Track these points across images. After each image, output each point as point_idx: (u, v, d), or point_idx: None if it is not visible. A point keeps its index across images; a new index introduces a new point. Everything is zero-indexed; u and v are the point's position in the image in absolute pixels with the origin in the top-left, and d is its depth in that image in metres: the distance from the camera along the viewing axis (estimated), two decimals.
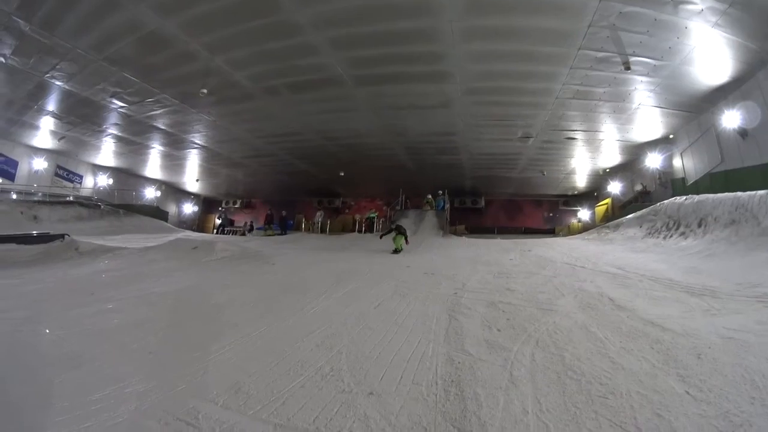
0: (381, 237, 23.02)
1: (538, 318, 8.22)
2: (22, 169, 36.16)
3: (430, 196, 37.26)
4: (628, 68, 18.08)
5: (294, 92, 22.80)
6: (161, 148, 35.37)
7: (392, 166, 35.43)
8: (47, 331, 8.02)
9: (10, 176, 35.18)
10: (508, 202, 45.27)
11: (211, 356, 6.64)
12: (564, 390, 5.29)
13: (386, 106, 24.09)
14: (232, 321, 8.46)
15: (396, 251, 20.21)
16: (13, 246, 17.06)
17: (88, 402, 5.25)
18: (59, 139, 33.64)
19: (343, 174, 38.62)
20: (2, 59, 20.81)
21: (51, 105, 26.82)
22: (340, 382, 5.75)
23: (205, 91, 21.95)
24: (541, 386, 5.42)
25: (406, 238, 21.03)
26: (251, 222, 47.06)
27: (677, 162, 26.46)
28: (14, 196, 34.05)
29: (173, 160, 39.19)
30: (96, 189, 42.02)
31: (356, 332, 7.84)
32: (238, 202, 51.94)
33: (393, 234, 21.22)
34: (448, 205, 36.34)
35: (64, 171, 39.54)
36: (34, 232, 20.54)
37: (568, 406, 4.92)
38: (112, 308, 9.42)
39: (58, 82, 23.10)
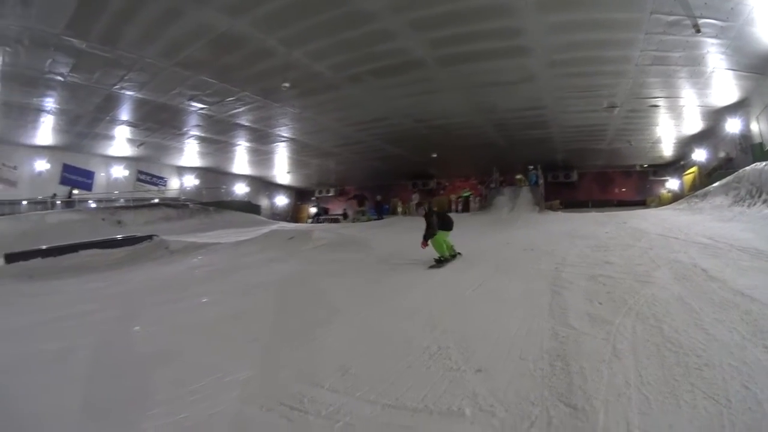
0: (425, 243, 12.68)
1: (636, 290, 8.24)
2: (99, 179, 37.66)
3: (521, 176, 37.43)
4: (698, 31, 17.66)
5: (378, 78, 22.90)
6: (247, 144, 36.11)
7: (483, 144, 35.11)
8: (138, 327, 8.42)
9: (87, 186, 36.80)
10: (600, 174, 44.28)
11: (315, 341, 6.83)
12: (663, 362, 5.33)
13: (471, 84, 23.94)
14: (334, 306, 8.70)
15: (441, 260, 12.52)
16: (96, 251, 17.69)
17: (185, 393, 5.45)
18: (138, 146, 34.92)
19: (435, 155, 38.43)
20: (61, 78, 21.60)
21: (124, 115, 27.94)
22: (447, 360, 5.84)
23: (287, 84, 22.20)
24: (641, 359, 5.46)
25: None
26: (345, 210, 47.45)
27: (754, 126, 25.65)
28: (93, 205, 35.37)
29: (261, 155, 39.85)
30: (182, 189, 43.19)
31: (461, 310, 8.03)
32: (332, 190, 51.91)
33: (436, 230, 12.70)
34: (541, 180, 36.38)
35: (147, 175, 40.93)
36: (119, 236, 21.09)
37: (667, 378, 4.95)
38: (207, 302, 9.78)
39: (129, 92, 24.02)
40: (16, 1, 15.79)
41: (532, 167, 37.09)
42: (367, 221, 35.93)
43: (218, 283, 11.64)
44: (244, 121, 30.00)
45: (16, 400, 5.59)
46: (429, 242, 12.90)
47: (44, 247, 17.93)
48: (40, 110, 26.92)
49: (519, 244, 15.33)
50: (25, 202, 33.31)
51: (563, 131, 32.58)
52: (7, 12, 16.48)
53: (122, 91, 24.13)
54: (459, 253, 13.68)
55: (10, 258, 16.97)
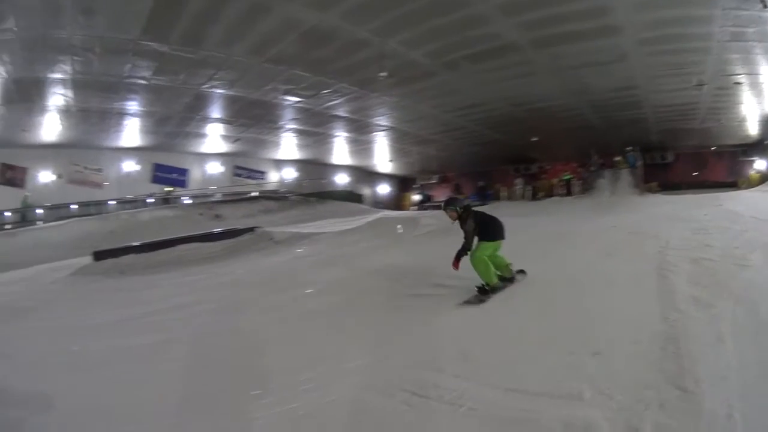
0: (457, 263, 8.99)
1: (735, 274, 8.33)
2: (194, 175, 38.87)
3: (620, 158, 36.80)
4: (765, 6, 17.33)
5: (473, 63, 22.72)
6: (346, 134, 36.30)
7: (579, 127, 34.33)
8: (242, 318, 8.75)
9: (181, 183, 37.96)
10: (694, 155, 42.69)
11: (432, 326, 7.04)
12: (760, 346, 5.44)
13: (565, 66, 23.61)
14: (449, 291, 8.99)
15: (487, 289, 8.89)
16: (194, 245, 18.23)
17: (299, 382, 5.69)
18: (233, 142, 35.69)
19: (535, 139, 38.01)
20: (143, 81, 22.30)
21: (216, 112, 28.62)
22: (564, 345, 5.98)
23: (384, 74, 22.24)
24: (742, 343, 5.56)
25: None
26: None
27: None
28: (189, 201, 36.64)
29: (361, 145, 40.00)
30: (282, 182, 43.75)
31: (572, 294, 8.19)
32: (434, 177, 51.18)
33: (470, 245, 9.09)
34: (640, 162, 35.88)
35: (244, 170, 41.82)
36: (218, 229, 21.72)
37: (763, 362, 5.07)
38: (315, 291, 10.07)
39: (219, 90, 24.56)
40: (75, 12, 16.40)
41: (630, 149, 36.45)
42: None
43: (325, 272, 11.86)
44: (341, 112, 30.19)
45: (124, 393, 5.90)
46: (471, 263, 8.79)
47: (136, 243, 18.55)
48: (122, 114, 27.93)
49: (624, 228, 15.26)
50: (112, 202, 34.76)
51: (656, 111, 31.73)
52: (67, 23, 17.10)
53: (212, 90, 24.73)
54: (521, 271, 9.64)
55: (99, 255, 17.55)
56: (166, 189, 37.71)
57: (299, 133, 35.05)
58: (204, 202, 35.79)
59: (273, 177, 44.25)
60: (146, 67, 21.24)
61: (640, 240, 12.71)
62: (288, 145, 39.17)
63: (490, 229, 9.32)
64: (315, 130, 34.20)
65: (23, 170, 33.85)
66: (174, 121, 30.06)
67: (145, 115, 28.54)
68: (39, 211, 33.35)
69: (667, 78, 25.07)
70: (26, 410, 5.62)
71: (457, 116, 31.92)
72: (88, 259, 17.64)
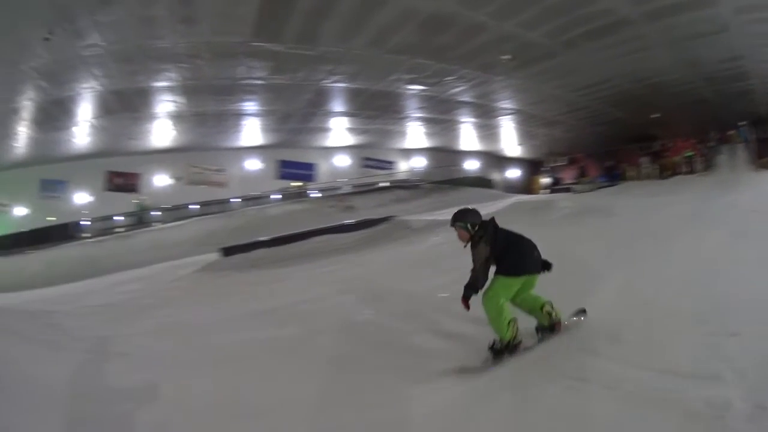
0: (467, 302, 6.18)
1: None
2: (321, 169, 39.76)
3: (733, 131, 35.60)
4: None
5: (590, 40, 22.44)
6: (473, 120, 36.20)
7: (695, 101, 33.07)
8: (385, 306, 8.77)
9: (308, 178, 38.98)
10: None
11: (578, 306, 6.86)
12: None
13: (675, 38, 22.83)
14: (596, 272, 8.78)
15: (499, 348, 6.17)
16: (327, 237, 18.49)
17: (447, 371, 5.85)
18: (359, 134, 36.47)
19: (655, 116, 36.85)
20: (260, 81, 22.79)
21: (338, 106, 29.19)
22: (706, 326, 5.84)
23: (507, 56, 22.50)
24: None
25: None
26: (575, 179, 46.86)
27: None
28: (318, 195, 37.40)
29: (488, 130, 39.75)
30: (412, 171, 44.14)
31: (710, 274, 7.90)
32: (563, 159, 50.28)
33: (479, 283, 6.29)
34: (753, 136, 34.63)
35: (372, 161, 42.43)
36: (351, 220, 21.99)
37: None
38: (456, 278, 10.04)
39: (340, 84, 25.01)
40: (173, 22, 16.97)
41: (742, 123, 35.18)
42: (592, 189, 35.73)
43: (467, 257, 11.88)
44: (466, 97, 30.19)
45: (268, 387, 5.94)
46: (483, 304, 6.25)
47: (267, 237, 19.01)
48: (240, 114, 28.91)
49: (745, 206, 14.74)
50: (235, 200, 36.11)
51: (765, 82, 30.37)
52: (166, 33, 17.72)
53: (333, 84, 25.23)
54: (581, 311, 6.79)
55: (228, 251, 18.11)
56: (293, 184, 38.55)
57: (426, 121, 35.18)
58: (333, 194, 36.51)
59: (402, 166, 44.59)
60: (261, 68, 21.87)
61: (763, 219, 12.39)
62: (415, 134, 39.33)
63: (512, 258, 6.35)
64: (441, 117, 34.22)
65: (134, 176, 35.68)
66: (297, 118, 30.78)
67: (266, 114, 29.48)
68: (155, 213, 35.18)
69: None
70: (134, 404, 5.78)
71: (579, 96, 31.42)
72: (214, 256, 18.17)
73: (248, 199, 36.61)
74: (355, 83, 25.40)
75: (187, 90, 23.69)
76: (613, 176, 40.55)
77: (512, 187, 47.95)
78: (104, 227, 34.39)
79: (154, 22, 17.13)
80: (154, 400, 5.85)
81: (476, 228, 6.54)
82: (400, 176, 43.12)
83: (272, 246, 18.05)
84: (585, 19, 20.22)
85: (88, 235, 33.42)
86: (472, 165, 47.56)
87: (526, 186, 50.49)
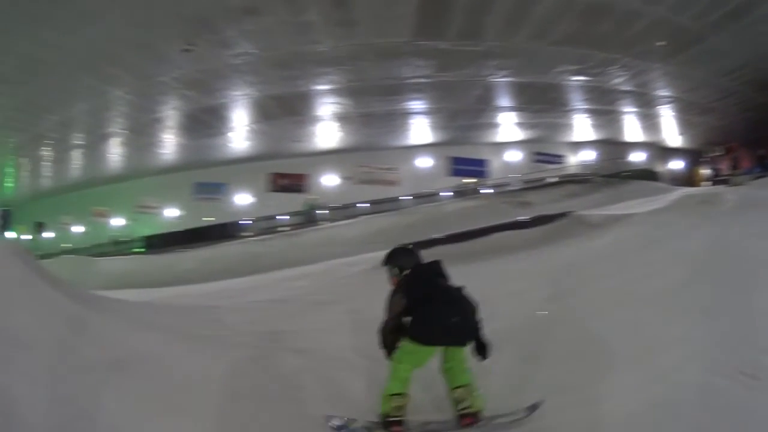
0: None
1: None
2: (494, 165, 39.19)
3: None
4: None
5: (734, 19, 21.39)
6: (635, 109, 35.45)
7: None
8: (578, 303, 8.24)
9: (481, 174, 38.21)
10: None
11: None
12: None
13: None
14: None
15: (383, 423, 5.02)
16: (504, 234, 18.30)
17: (646, 367, 5.56)
18: (528, 128, 36.74)
19: None
20: (427, 80, 23.06)
21: (506, 101, 29.41)
22: None
23: (662, 42, 22.07)
24: None
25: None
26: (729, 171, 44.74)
27: None
28: (490, 191, 37.36)
29: (649, 120, 38.81)
30: (581, 165, 43.25)
31: None
32: (719, 149, 47.36)
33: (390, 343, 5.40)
34: None
35: (543, 155, 41.50)
36: (528, 216, 21.64)
37: None
38: (647, 273, 9.66)
39: (507, 79, 25.21)
40: (329, 26, 17.26)
41: None
42: (751, 180, 33.62)
43: (653, 252, 11.44)
44: (628, 87, 29.60)
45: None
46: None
47: (444, 234, 18.97)
48: (409, 113, 29.35)
49: None
50: (406, 198, 36.61)
51: None
52: (322, 38, 18.14)
53: (500, 80, 25.35)
54: (532, 407, 5.06)
55: None
56: (466, 181, 38.57)
57: (591, 113, 34.75)
58: (505, 191, 36.45)
59: (571, 160, 43.91)
60: (427, 66, 22.19)
61: None
62: (582, 127, 38.92)
63: (416, 320, 5.13)
64: (606, 108, 33.68)
65: (301, 177, 36.32)
66: (466, 115, 31.12)
67: (435, 112, 30.03)
68: (324, 211, 36.04)
69: None
70: (313, 402, 5.81)
71: (730, 80, 30.08)
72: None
73: (420, 197, 37.11)
74: (522, 77, 25.31)
75: (351, 91, 24.31)
76: (766, 166, 37.85)
77: (677, 179, 46.12)
78: (267, 226, 35.87)
79: (308, 28, 17.66)
80: (340, 399, 5.90)
81: (403, 272, 5.77)
82: (571, 170, 42.17)
83: (449, 243, 17.95)
84: None
85: (250, 234, 34.95)
86: (638, 157, 46.22)
87: (688, 178, 48.24)
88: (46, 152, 33.15)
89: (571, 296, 8.71)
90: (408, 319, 5.14)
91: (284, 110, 25.75)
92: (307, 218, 35.97)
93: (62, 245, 43.82)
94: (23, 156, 33.76)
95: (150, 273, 26.35)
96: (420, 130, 33.95)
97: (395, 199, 36.41)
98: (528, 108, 31.24)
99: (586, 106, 32.56)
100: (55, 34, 17.20)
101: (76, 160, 35.75)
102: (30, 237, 45.97)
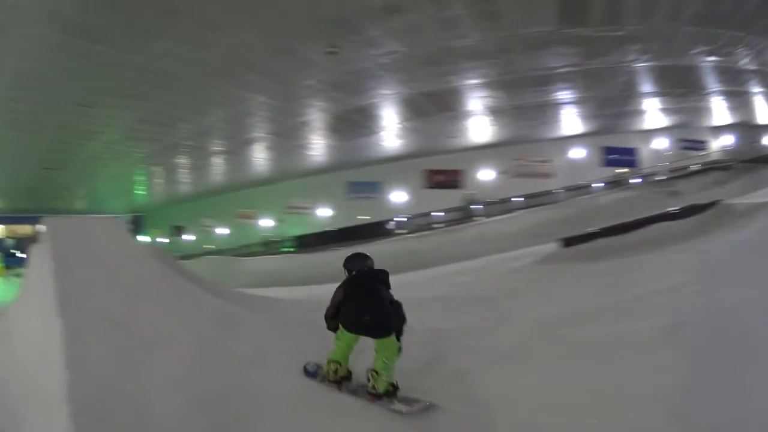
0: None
1: None
2: (642, 154, 38.98)
3: None
4: None
5: None
6: (763, 89, 33.84)
7: None
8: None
9: (631, 163, 38.29)
10: None
11: None
12: None
13: None
14: None
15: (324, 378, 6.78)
16: (663, 224, 18.12)
17: None
18: (672, 114, 36.20)
19: None
20: (575, 68, 23.15)
21: (648, 86, 28.95)
22: None
23: None
24: None
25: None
26: None
27: None
28: (640, 180, 37.00)
29: None
30: (722, 150, 42.08)
31: None
32: None
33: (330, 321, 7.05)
34: None
35: (688, 141, 40.95)
36: (678, 206, 21.40)
37: None
38: None
39: (648, 63, 24.78)
40: (474, 20, 17.35)
41: None
42: None
43: None
44: (753, 65, 28.30)
45: (638, 381, 5.67)
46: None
47: (602, 226, 18.88)
48: (560, 103, 29.41)
49: None
50: (560, 190, 36.59)
51: None
52: (469, 32, 18.22)
53: (643, 64, 24.95)
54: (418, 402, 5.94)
55: (568, 241, 18.14)
56: (618, 170, 38.29)
57: (726, 95, 33.62)
58: (655, 180, 35.89)
59: (713, 146, 42.67)
60: (573, 54, 22.08)
61: None
62: (720, 110, 37.73)
63: (347, 311, 6.60)
64: (738, 89, 32.48)
65: (456, 172, 37.19)
66: (614, 102, 30.78)
67: (584, 101, 29.85)
68: (480, 206, 36.38)
69: None
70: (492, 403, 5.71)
71: None
72: (550, 247, 18.24)
73: (573, 189, 36.83)
74: (662, 61, 24.77)
75: (502, 84, 24.42)
76: None
77: None
78: (424, 223, 36.25)
79: (454, 22, 17.75)
80: (518, 398, 5.80)
81: (351, 273, 6.99)
82: (713, 156, 40.91)
83: (607, 236, 17.86)
84: None
85: (405, 231, 35.72)
86: None
87: None
88: (182, 160, 35.01)
89: (730, 290, 8.21)
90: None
91: (437, 106, 26.12)
92: (464, 214, 36.31)
93: (204, 247, 46.42)
94: (155, 164, 35.70)
95: (300, 271, 27.25)
96: (570, 120, 33.84)
97: (549, 192, 36.42)
98: (670, 92, 30.57)
99: (721, 88, 31.58)
100: (177, 47, 17.99)
101: (217, 165, 37.44)
102: (166, 240, 48.87)
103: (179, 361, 6.48)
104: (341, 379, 6.49)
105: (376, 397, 6.05)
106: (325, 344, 6.70)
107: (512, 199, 36.53)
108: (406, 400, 5.89)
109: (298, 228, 42.57)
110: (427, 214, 37.07)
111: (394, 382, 6.09)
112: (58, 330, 6.27)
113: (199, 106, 24.37)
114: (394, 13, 16.62)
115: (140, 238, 44.42)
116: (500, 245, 23.23)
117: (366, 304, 6.46)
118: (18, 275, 41.69)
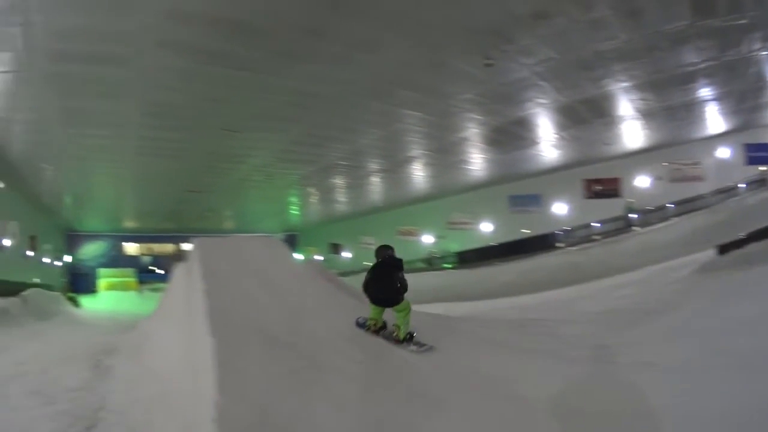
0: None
1: None
2: None
3: None
4: None
5: None
6: None
7: None
8: None
9: None
10: None
11: None
12: None
13: None
14: None
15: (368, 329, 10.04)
16: None
17: None
18: None
19: None
20: (714, 62, 22.40)
21: None
22: None
23: None
24: None
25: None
26: None
27: None
28: None
29: None
30: None
31: None
32: None
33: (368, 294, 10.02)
34: None
35: None
36: None
37: None
38: None
39: None
40: (618, 19, 17.10)
41: None
42: None
43: None
44: None
45: None
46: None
47: (742, 234, 18.23)
48: (704, 101, 28.49)
49: None
50: (708, 193, 35.73)
51: None
52: (617, 31, 17.89)
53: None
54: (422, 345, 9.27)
55: (723, 249, 17.57)
56: (762, 169, 36.68)
57: None
58: None
59: None
60: (710, 47, 21.29)
61: None
62: None
63: (368, 289, 9.94)
64: None
65: (614, 180, 37.16)
66: (750, 95, 29.49)
67: (724, 96, 28.70)
68: (637, 215, 35.95)
69: None
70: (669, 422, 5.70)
71: None
72: (707, 255, 17.81)
73: (722, 192, 35.75)
74: None
75: (652, 85, 23.93)
76: None
77: None
78: (585, 234, 36.30)
79: (600, 23, 17.48)
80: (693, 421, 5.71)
81: (378, 260, 10.29)
82: None
83: (758, 239, 17.29)
84: None
85: (564, 244, 35.97)
86: None
87: None
88: (338, 180, 35.88)
89: None
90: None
91: (592, 113, 25.88)
92: (624, 223, 36.00)
93: (364, 263, 46.62)
94: (310, 185, 36.89)
95: (463, 287, 28.53)
96: (713, 118, 32.64)
97: (701, 197, 35.58)
98: None
99: None
100: (325, 69, 18.25)
101: (375, 184, 38.26)
102: (321, 258, 49.59)
103: (348, 382, 6.79)
104: (379, 330, 9.87)
105: (398, 341, 9.46)
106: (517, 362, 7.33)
107: (667, 205, 35.76)
108: (418, 344, 9.27)
109: (460, 243, 43.07)
110: (587, 226, 36.89)
111: (412, 332, 9.57)
112: (209, 349, 6.58)
113: (352, 126, 24.79)
114: (542, 19, 16.48)
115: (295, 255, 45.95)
116: (659, 255, 23.03)
117: (381, 285, 9.76)
118: (153, 290, 44.14)
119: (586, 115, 25.09)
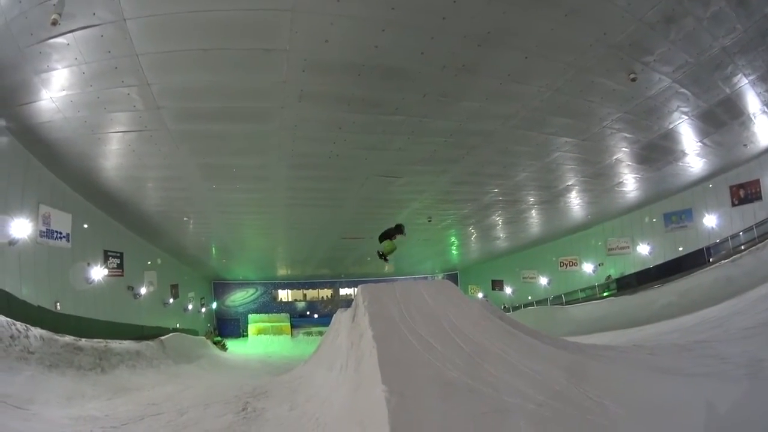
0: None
1: None
2: None
3: None
4: None
5: None
6: None
7: None
8: None
9: None
10: None
11: None
12: None
13: None
14: None
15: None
16: None
17: None
18: None
19: None
20: None
21: None
22: None
23: None
24: None
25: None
26: None
27: None
28: None
29: None
30: None
31: None
32: None
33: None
34: None
35: None
36: None
37: None
38: None
39: None
40: (733, 5, 16.66)
41: None
42: None
43: None
44: None
45: None
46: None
47: None
48: None
49: None
50: None
51: None
52: (736, 21, 17.51)
53: None
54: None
55: None
56: None
57: None
58: None
59: None
60: None
61: None
62: None
63: (383, 236, 19.66)
64: None
65: (755, 183, 35.84)
66: None
67: None
68: None
69: None
70: None
71: None
72: None
73: None
74: None
75: None
76: None
77: None
78: (735, 244, 34.94)
79: (720, 18, 17.21)
80: None
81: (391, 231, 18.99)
82: None
83: None
84: None
85: (717, 258, 34.52)
86: None
87: None
88: (496, 217, 36.69)
89: None
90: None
91: (730, 114, 24.94)
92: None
93: (528, 297, 48.42)
94: (470, 225, 38.05)
95: (624, 314, 29.18)
96: None
97: None
98: None
99: None
100: (481, 105, 18.64)
101: (533, 217, 38.86)
102: (483, 294, 51.12)
103: (534, 425, 6.33)
104: (385, 256, 18.95)
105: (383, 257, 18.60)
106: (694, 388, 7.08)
107: None
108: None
109: (619, 269, 42.90)
110: (736, 235, 35.22)
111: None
112: (381, 398, 6.36)
113: (511, 160, 25.13)
114: (671, 23, 16.49)
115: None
116: None
117: (385, 235, 19.01)
118: (307, 333, 45.64)
119: (724, 118, 24.54)
